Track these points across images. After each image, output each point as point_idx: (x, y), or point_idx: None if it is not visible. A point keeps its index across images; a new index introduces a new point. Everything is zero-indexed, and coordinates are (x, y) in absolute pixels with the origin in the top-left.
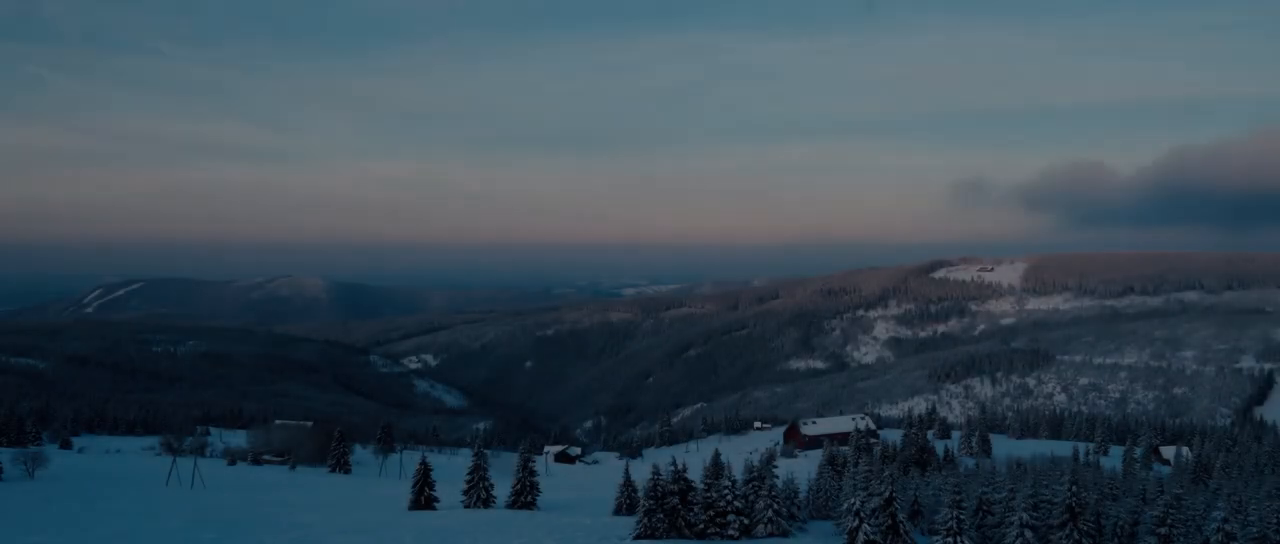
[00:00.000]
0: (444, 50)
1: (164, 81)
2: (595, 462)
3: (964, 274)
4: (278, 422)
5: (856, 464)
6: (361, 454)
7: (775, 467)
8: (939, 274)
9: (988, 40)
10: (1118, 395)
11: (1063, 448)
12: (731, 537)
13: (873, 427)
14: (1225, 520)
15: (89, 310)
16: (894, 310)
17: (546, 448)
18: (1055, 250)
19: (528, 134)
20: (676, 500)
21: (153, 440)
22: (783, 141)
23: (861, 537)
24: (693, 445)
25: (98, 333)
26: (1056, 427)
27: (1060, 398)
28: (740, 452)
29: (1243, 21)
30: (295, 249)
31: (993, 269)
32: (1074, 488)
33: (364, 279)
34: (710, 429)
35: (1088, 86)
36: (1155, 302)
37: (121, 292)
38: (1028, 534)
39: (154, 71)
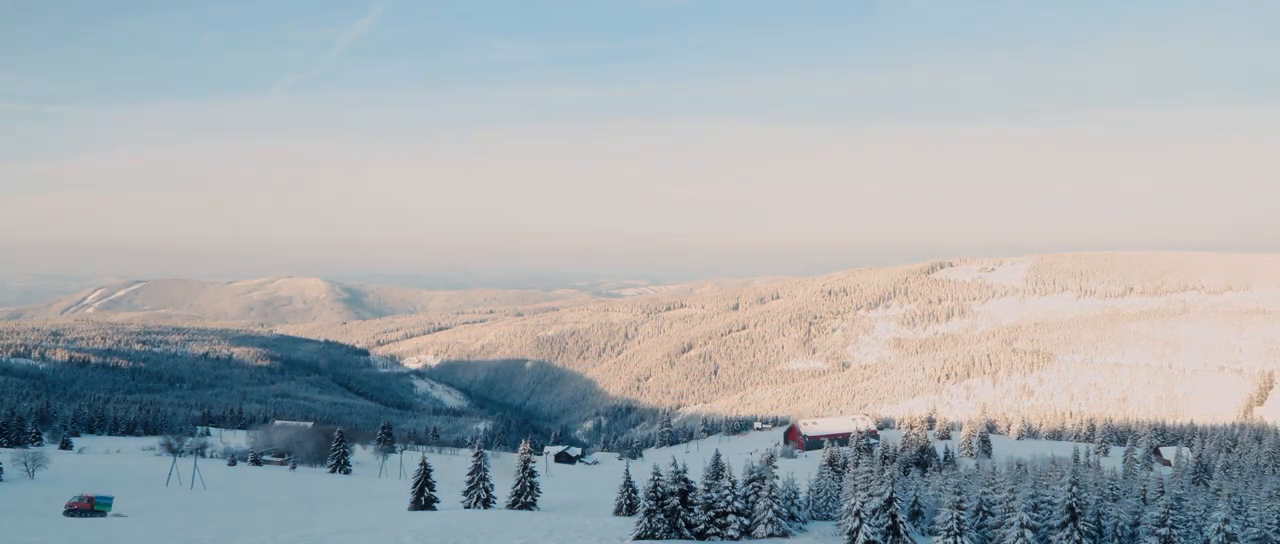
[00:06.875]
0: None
1: (164, 77)
2: (595, 462)
3: (966, 274)
4: (278, 422)
5: (857, 465)
6: (362, 455)
7: (776, 467)
8: (940, 274)
9: None
10: (1118, 396)
11: (1063, 448)
12: (732, 537)
13: (873, 427)
14: (1226, 521)
15: (89, 310)
16: (895, 310)
17: (547, 448)
18: (1057, 250)
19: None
20: (677, 501)
21: (153, 441)
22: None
23: (862, 537)
24: (693, 446)
25: (98, 333)
26: (1057, 427)
27: (1061, 398)
28: (741, 452)
29: None
30: (295, 249)
31: (994, 269)
32: (1074, 488)
33: (364, 279)
34: (711, 430)
35: None
36: (1156, 302)
37: (121, 292)
38: (1028, 535)
39: (155, 69)
